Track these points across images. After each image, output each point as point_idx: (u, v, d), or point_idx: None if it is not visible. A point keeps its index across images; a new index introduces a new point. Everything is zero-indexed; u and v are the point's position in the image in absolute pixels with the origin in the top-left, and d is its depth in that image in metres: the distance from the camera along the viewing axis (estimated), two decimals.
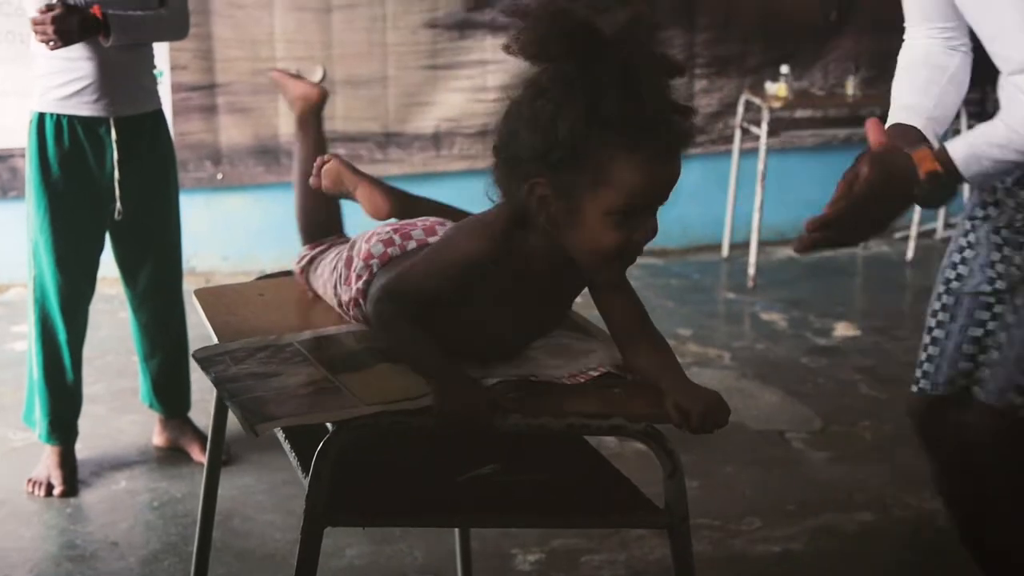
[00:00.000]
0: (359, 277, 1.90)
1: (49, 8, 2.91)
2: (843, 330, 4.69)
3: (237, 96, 5.04)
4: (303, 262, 2.16)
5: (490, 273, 1.70)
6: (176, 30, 3.25)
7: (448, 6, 5.29)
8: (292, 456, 1.76)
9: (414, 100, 5.28)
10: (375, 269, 1.88)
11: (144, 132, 3.16)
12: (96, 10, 2.95)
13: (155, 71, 3.24)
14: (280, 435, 1.82)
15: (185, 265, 5.02)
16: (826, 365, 4.25)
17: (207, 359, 1.86)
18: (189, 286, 4.91)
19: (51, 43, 2.92)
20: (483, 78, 5.39)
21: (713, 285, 5.37)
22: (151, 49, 3.21)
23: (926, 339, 2.11)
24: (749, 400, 3.90)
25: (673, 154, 1.63)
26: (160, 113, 3.24)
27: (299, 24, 5.07)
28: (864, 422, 3.72)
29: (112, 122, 3.07)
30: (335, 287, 1.98)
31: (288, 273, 2.30)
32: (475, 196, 5.37)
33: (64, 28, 2.91)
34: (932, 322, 2.11)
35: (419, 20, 5.24)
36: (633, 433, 1.65)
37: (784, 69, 5.41)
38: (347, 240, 2.11)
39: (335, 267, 1.99)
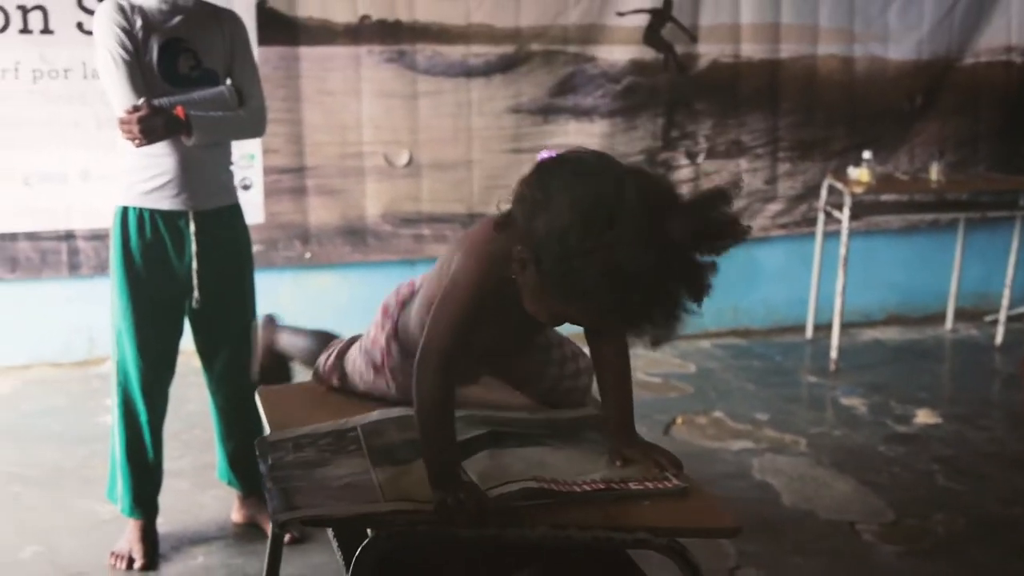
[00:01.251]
0: (383, 328, 2.14)
1: (136, 109, 3.01)
2: (924, 417, 4.65)
3: (326, 178, 5.19)
4: (328, 365, 2.32)
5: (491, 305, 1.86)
6: (254, 129, 3.35)
7: (532, 92, 5.40)
8: (338, 554, 1.83)
9: (498, 182, 5.38)
10: (395, 314, 2.12)
11: (221, 225, 3.27)
12: (180, 111, 3.05)
13: (231, 165, 3.34)
14: (329, 531, 1.89)
15: None
16: (903, 454, 4.21)
17: (269, 445, 1.96)
18: None
19: (136, 141, 3.02)
20: None
21: (795, 368, 5.34)
22: (229, 146, 3.31)
23: None
24: (822, 489, 3.88)
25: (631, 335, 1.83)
26: (236, 206, 3.36)
27: (386, 110, 5.21)
28: (938, 515, 3.67)
29: (191, 215, 3.19)
30: (368, 359, 2.16)
31: None
32: None
33: (149, 128, 3.00)
34: None
35: (503, 106, 5.36)
36: (656, 547, 1.69)
37: (867, 154, 5.42)
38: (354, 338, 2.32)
39: (362, 348, 2.14)
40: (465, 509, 1.67)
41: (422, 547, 1.84)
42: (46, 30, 4.75)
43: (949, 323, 6.01)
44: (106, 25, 3.07)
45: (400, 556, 1.75)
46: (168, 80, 3.12)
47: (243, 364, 3.38)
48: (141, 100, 3.02)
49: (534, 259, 1.68)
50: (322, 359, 2.36)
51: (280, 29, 5.07)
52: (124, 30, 3.06)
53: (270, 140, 5.07)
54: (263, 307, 5.18)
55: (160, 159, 3.12)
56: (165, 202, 3.16)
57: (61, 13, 4.75)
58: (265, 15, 5.03)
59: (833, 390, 5.01)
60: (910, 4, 5.89)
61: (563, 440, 2.01)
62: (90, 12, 4.75)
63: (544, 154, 1.81)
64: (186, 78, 3.15)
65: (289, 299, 5.26)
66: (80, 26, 4.76)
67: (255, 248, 5.05)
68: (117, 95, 3.07)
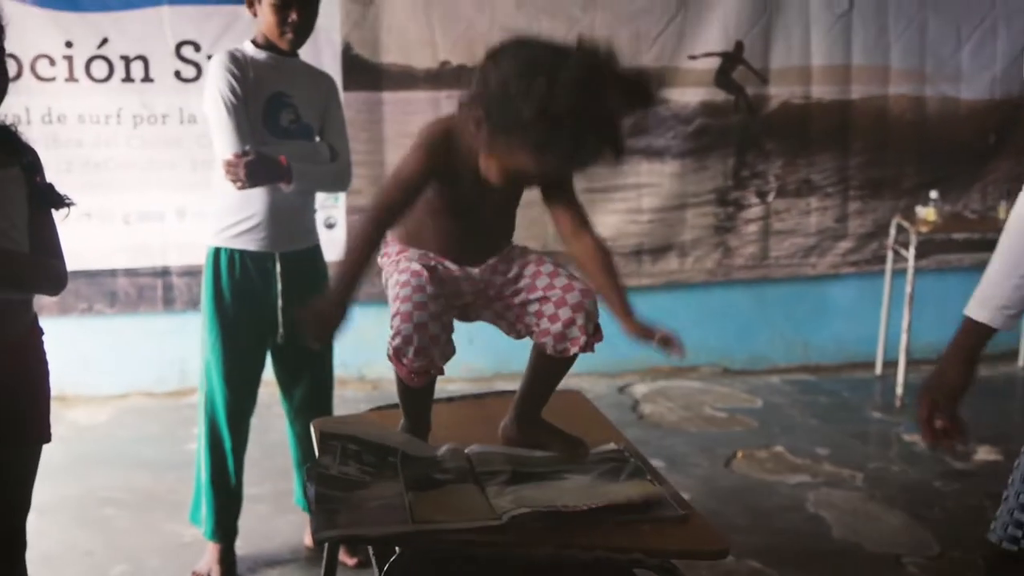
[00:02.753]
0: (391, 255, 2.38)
1: (244, 154, 3.24)
2: (984, 454, 4.73)
3: None
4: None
5: (445, 179, 2.16)
6: (342, 183, 3.61)
7: None
8: (375, 571, 2.04)
9: None
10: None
11: (304, 265, 3.51)
12: (283, 159, 3.29)
13: (315, 212, 3.59)
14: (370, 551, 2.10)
15: (356, 373, 5.49)
16: (958, 490, 4.32)
17: (327, 436, 2.19)
18: (359, 393, 5.36)
19: (239, 184, 3.25)
20: (638, 201, 5.68)
21: (861, 404, 5.45)
22: (314, 193, 3.57)
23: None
24: (872, 523, 4.00)
25: (571, 166, 2.09)
26: (318, 247, 3.60)
27: None
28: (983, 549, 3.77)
29: (278, 257, 3.43)
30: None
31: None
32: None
33: (254, 173, 3.23)
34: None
35: None
36: (651, 566, 1.87)
37: (933, 194, 5.52)
38: None
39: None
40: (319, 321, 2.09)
41: (444, 564, 2.04)
42: (147, 78, 5.07)
43: (1022, 360, 6.06)
44: (221, 72, 3.31)
45: (424, 572, 1.95)
46: (270, 131, 3.36)
47: (319, 396, 3.61)
48: (248, 147, 3.25)
49: (485, 113, 1.99)
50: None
51: (364, 75, 5.33)
52: (237, 79, 3.30)
53: (354, 181, 5.29)
54: (348, 340, 5.47)
55: (252, 203, 3.36)
56: (254, 244, 3.40)
57: (160, 62, 5.07)
58: (350, 61, 5.30)
59: (897, 426, 5.11)
60: (983, 45, 5.98)
61: (578, 473, 2.21)
62: (187, 61, 5.08)
63: None
64: (286, 130, 3.40)
65: (370, 334, 5.50)
66: (178, 74, 5.08)
67: None
68: (225, 139, 3.28)
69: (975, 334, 2.18)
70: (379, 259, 2.42)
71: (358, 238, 2.19)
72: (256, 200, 3.35)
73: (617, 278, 2.29)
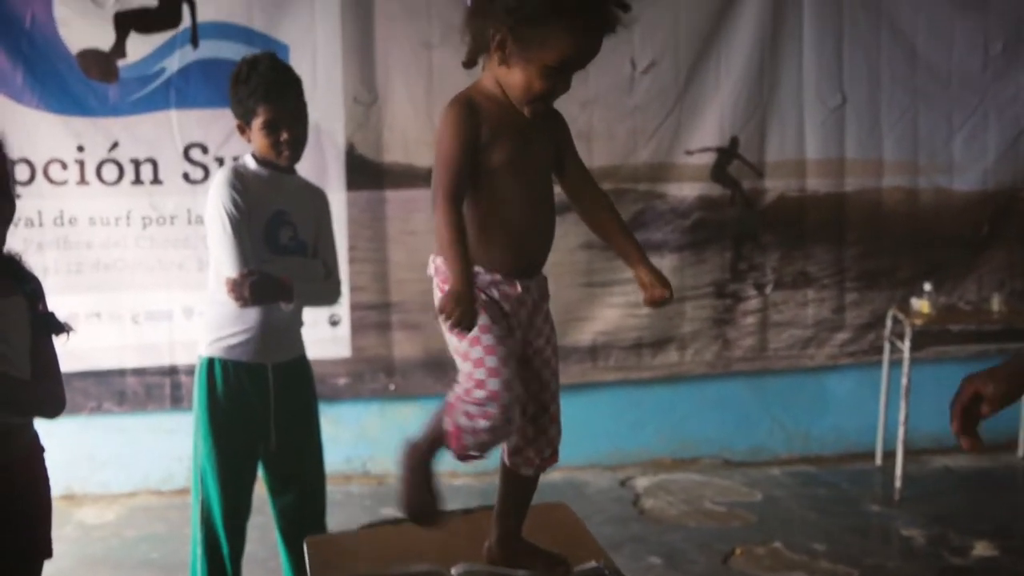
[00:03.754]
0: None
1: (250, 273, 3.32)
2: (982, 549, 4.78)
3: (409, 314, 5.52)
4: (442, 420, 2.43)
5: (484, 150, 2.23)
6: (334, 299, 3.71)
7: None
8: None
9: (572, 315, 5.67)
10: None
11: (294, 374, 3.59)
12: (285, 279, 3.39)
13: (302, 325, 3.66)
14: None
15: (360, 468, 5.57)
16: None
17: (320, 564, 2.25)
18: (364, 488, 5.42)
19: (241, 302, 3.33)
20: (637, 294, 5.72)
21: (860, 496, 5.49)
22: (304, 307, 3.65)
23: None
24: None
25: (601, 34, 2.20)
26: (305, 357, 3.67)
27: None
28: None
29: (270, 367, 3.51)
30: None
31: (392, 522, 2.66)
32: (631, 404, 5.80)
33: (259, 292, 3.32)
34: None
35: (576, 242, 5.65)
36: None
37: (927, 286, 5.61)
38: None
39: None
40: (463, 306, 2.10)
41: None
42: (156, 180, 5.20)
43: (1022, 451, 6.11)
44: (225, 190, 3.40)
45: None
46: (270, 248, 3.46)
47: (311, 504, 3.66)
48: (252, 267, 3.34)
49: (507, 22, 2.16)
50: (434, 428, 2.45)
51: (367, 174, 5.45)
52: (241, 196, 3.40)
53: (357, 278, 5.44)
54: (351, 436, 5.56)
55: (247, 316, 3.44)
56: (248, 355, 3.48)
57: (169, 164, 5.20)
58: (353, 161, 5.43)
59: (895, 520, 5.16)
60: (975, 136, 6.09)
61: None
62: (195, 163, 5.21)
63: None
64: (284, 247, 3.50)
65: (374, 429, 5.61)
66: (186, 176, 5.21)
67: (343, 380, 5.45)
68: (230, 258, 3.37)
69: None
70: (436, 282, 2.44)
71: (451, 227, 2.24)
72: (251, 313, 3.43)
73: (628, 229, 2.50)
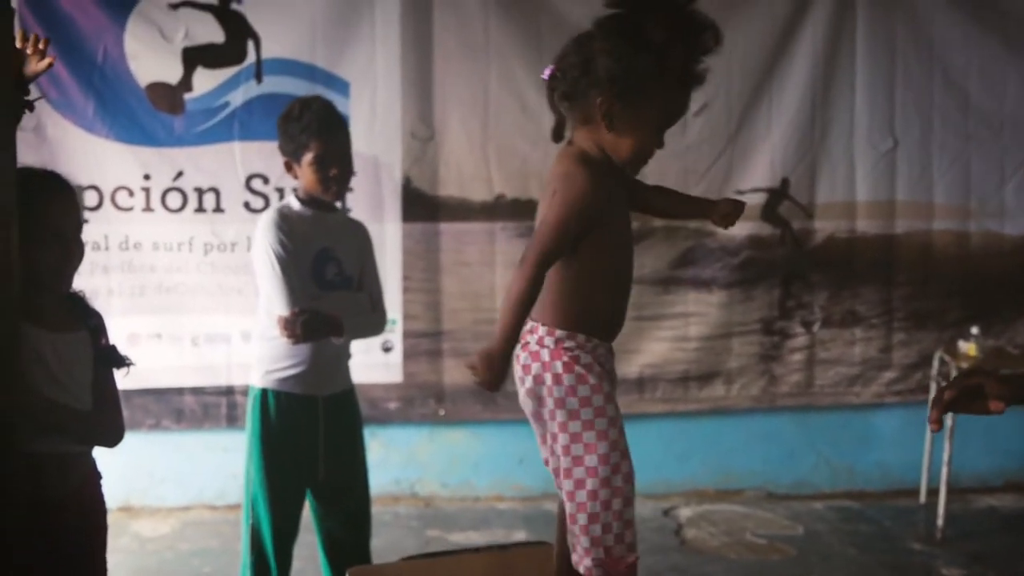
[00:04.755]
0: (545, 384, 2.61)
1: (301, 312, 3.46)
2: None
3: (460, 342, 5.66)
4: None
5: (608, 209, 2.51)
6: (380, 329, 3.88)
7: (653, 264, 5.81)
8: None
9: (621, 348, 5.61)
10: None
11: (343, 406, 3.74)
12: (334, 315, 3.53)
13: (350, 358, 3.80)
14: None
15: (408, 490, 5.70)
16: None
17: None
18: (411, 509, 5.55)
19: (294, 340, 3.46)
20: (685, 329, 5.87)
21: (902, 534, 5.51)
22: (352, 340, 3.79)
23: None
24: None
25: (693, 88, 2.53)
26: (353, 389, 3.82)
27: None
28: None
29: (321, 400, 3.67)
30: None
31: (435, 554, 2.78)
32: (676, 436, 5.89)
33: (311, 330, 3.46)
34: None
35: None
36: None
37: (975, 330, 5.65)
38: None
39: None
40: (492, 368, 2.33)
41: None
42: (218, 208, 5.40)
43: None
44: (272, 231, 3.58)
45: None
46: (317, 284, 3.63)
47: (358, 533, 3.79)
48: (304, 305, 3.49)
49: (611, 90, 2.42)
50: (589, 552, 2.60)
51: (423, 206, 5.62)
52: (288, 236, 3.58)
53: (410, 306, 5.60)
54: (400, 458, 5.70)
55: (299, 351, 3.58)
56: (299, 387, 3.63)
57: (231, 193, 5.40)
58: (410, 194, 5.59)
59: (936, 559, 5.18)
60: None
61: None
62: (256, 193, 5.40)
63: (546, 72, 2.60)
64: (330, 283, 3.67)
65: (423, 453, 5.75)
66: (247, 205, 5.40)
67: (394, 405, 5.60)
68: (280, 297, 3.53)
69: None
70: (531, 348, 2.60)
71: (529, 288, 2.42)
72: (302, 347, 3.56)
73: (680, 194, 2.94)
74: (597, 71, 2.43)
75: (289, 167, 3.71)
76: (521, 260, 2.44)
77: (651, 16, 2.41)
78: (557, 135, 2.61)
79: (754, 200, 5.87)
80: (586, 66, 2.46)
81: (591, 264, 2.50)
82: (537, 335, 2.58)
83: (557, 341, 2.53)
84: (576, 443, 2.52)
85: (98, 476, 2.79)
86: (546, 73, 2.58)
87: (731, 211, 2.75)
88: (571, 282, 2.55)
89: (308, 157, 3.63)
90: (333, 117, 3.72)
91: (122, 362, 2.79)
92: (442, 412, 5.71)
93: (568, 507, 2.53)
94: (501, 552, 3.02)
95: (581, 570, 2.53)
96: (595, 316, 2.57)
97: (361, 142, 5.46)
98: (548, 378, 2.54)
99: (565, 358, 2.52)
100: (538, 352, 2.57)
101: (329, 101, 3.82)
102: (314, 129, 3.62)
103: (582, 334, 2.55)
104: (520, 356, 2.62)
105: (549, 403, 2.54)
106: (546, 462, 2.65)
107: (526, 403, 2.64)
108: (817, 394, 6.06)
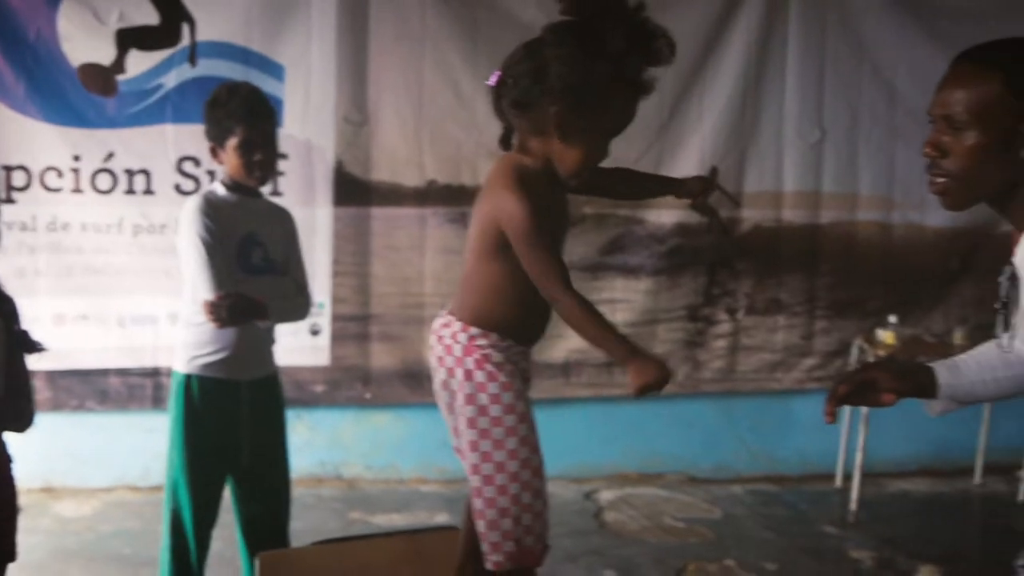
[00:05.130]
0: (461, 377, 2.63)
1: (227, 295, 3.47)
2: (927, 573, 4.95)
3: (388, 325, 5.73)
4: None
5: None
6: (305, 313, 3.91)
7: (583, 251, 5.89)
8: None
9: (548, 333, 5.76)
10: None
11: (266, 391, 3.80)
12: (259, 299, 3.55)
13: (274, 343, 3.86)
14: None
15: (333, 472, 5.77)
16: None
17: None
18: (336, 491, 5.62)
19: (219, 324, 3.47)
20: (612, 315, 5.94)
21: (817, 517, 5.66)
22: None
23: None
24: None
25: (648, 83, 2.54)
26: (277, 374, 3.88)
27: (446, 265, 5.73)
28: None
29: (244, 384, 3.71)
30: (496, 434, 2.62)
31: (346, 539, 2.85)
32: (600, 420, 5.96)
33: (236, 313, 3.47)
34: None
35: None
36: None
37: (892, 318, 5.79)
38: None
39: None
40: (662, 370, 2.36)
41: None
42: (148, 191, 5.41)
43: (977, 477, 6.27)
44: (198, 216, 3.60)
45: None
46: (243, 269, 3.67)
47: (277, 516, 3.85)
48: (230, 289, 3.52)
49: (565, 98, 2.41)
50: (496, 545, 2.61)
51: (354, 191, 5.66)
52: (213, 222, 3.61)
53: (339, 290, 5.65)
54: (325, 441, 5.77)
55: (224, 335, 3.62)
56: (224, 372, 3.68)
57: (162, 176, 5.41)
58: (342, 178, 5.63)
59: (847, 542, 5.33)
60: None
61: None
62: (187, 175, 5.42)
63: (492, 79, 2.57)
64: (256, 267, 3.71)
65: (349, 436, 5.82)
66: (178, 187, 5.41)
67: (320, 387, 5.66)
68: (205, 281, 3.55)
69: (924, 373, 2.40)
70: (445, 342, 2.65)
71: (583, 311, 2.48)
72: (226, 332, 3.61)
73: (645, 174, 3.03)
74: (551, 79, 2.41)
75: (214, 152, 3.73)
76: (550, 299, 2.49)
77: (608, 24, 2.40)
78: (505, 143, 2.60)
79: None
80: (539, 74, 2.44)
81: (515, 270, 2.53)
82: (452, 330, 2.64)
83: (470, 338, 2.59)
84: (485, 439, 2.58)
85: (8, 459, 2.82)
86: (492, 80, 2.55)
87: (701, 189, 2.82)
88: (493, 284, 2.60)
89: (233, 142, 3.64)
90: (259, 103, 3.73)
91: (35, 347, 2.81)
92: (368, 395, 5.78)
93: (476, 502, 2.59)
94: (411, 536, 3.11)
95: (490, 564, 2.60)
96: (512, 320, 2.62)
97: (295, 126, 5.53)
98: (459, 373, 2.60)
99: (477, 355, 2.58)
100: (451, 347, 2.62)
101: (256, 87, 3.85)
102: (239, 115, 3.64)
103: (496, 334, 2.60)
104: (435, 348, 2.68)
105: (460, 398, 2.60)
106: (458, 451, 2.72)
107: (440, 394, 2.71)
108: (739, 380, 6.19)
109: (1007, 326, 2.23)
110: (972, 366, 2.41)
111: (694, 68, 5.94)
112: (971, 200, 2.22)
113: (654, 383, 2.35)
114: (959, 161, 2.18)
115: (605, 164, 2.71)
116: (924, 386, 2.38)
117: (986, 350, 2.41)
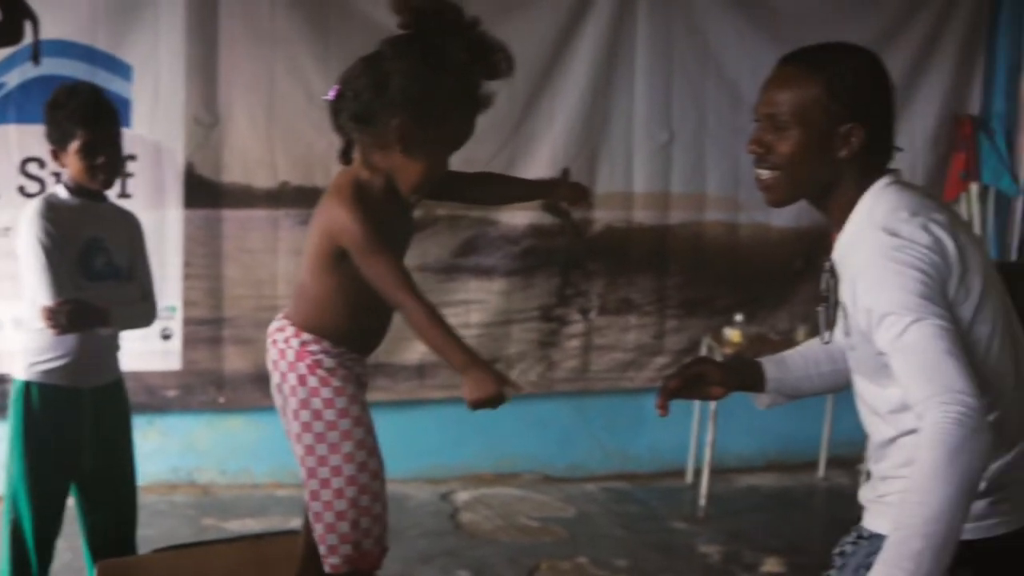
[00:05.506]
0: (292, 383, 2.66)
1: (65, 302, 3.40)
2: (771, 566, 5.11)
3: (241, 329, 5.67)
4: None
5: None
6: (150, 320, 3.86)
7: (437, 252, 5.92)
8: None
9: (401, 334, 5.73)
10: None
11: (110, 397, 3.74)
12: (101, 305, 3.50)
13: (118, 349, 3.81)
14: None
15: (187, 478, 5.70)
16: None
17: None
18: (189, 498, 5.56)
19: (58, 330, 3.41)
20: (466, 316, 6.00)
21: (668, 513, 5.79)
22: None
23: None
24: None
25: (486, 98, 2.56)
26: (121, 380, 3.82)
27: (299, 266, 5.70)
28: None
29: (87, 391, 3.65)
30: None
31: (187, 545, 2.84)
32: (455, 421, 5.99)
33: (75, 320, 3.41)
34: None
35: (409, 265, 5.80)
36: None
37: (738, 317, 5.95)
38: None
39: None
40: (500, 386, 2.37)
41: None
42: None
43: (821, 471, 6.48)
44: (38, 221, 3.53)
45: None
46: (85, 275, 3.60)
47: (124, 525, 3.79)
48: (70, 295, 3.45)
49: (407, 112, 2.41)
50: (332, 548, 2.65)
51: (206, 192, 5.59)
52: (53, 226, 3.53)
53: (190, 292, 5.58)
54: (178, 446, 5.70)
55: (65, 342, 3.55)
56: (66, 379, 3.61)
57: (5, 177, 5.27)
58: (192, 180, 5.56)
59: (696, 537, 5.47)
60: None
61: None
62: (31, 177, 5.30)
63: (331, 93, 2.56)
64: (99, 273, 3.65)
65: (203, 441, 5.76)
66: (22, 189, 5.29)
67: (172, 393, 5.59)
68: (44, 287, 3.48)
69: (752, 368, 2.58)
70: (279, 346, 2.67)
71: (425, 314, 2.47)
72: (68, 339, 3.54)
73: (512, 179, 3.09)
74: (392, 93, 2.42)
75: (56, 155, 3.66)
76: (396, 305, 2.50)
77: (447, 38, 2.42)
78: (345, 157, 2.59)
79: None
80: (379, 87, 2.44)
81: (349, 283, 2.55)
82: (285, 334, 2.66)
83: (302, 343, 2.61)
84: (320, 443, 2.59)
85: None
86: (331, 94, 2.55)
87: (579, 197, 2.87)
88: (327, 295, 2.61)
89: (74, 146, 3.57)
90: (100, 104, 3.66)
91: None
92: (222, 399, 5.72)
93: (314, 505, 2.61)
94: (252, 541, 3.13)
95: (328, 567, 2.62)
96: (346, 329, 2.64)
97: (144, 127, 5.45)
98: (292, 378, 2.62)
99: (308, 360, 2.60)
100: (284, 351, 2.65)
101: (97, 87, 3.79)
102: (79, 117, 3.57)
103: (328, 341, 2.62)
104: (270, 352, 2.70)
105: (292, 402, 2.62)
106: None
107: (276, 397, 2.73)
108: (593, 379, 6.30)
109: (828, 320, 2.33)
110: (798, 361, 2.54)
111: (545, 70, 6.02)
112: (792, 197, 2.33)
113: (487, 399, 2.36)
114: (780, 159, 2.27)
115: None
116: (752, 380, 2.51)
117: (812, 345, 2.54)
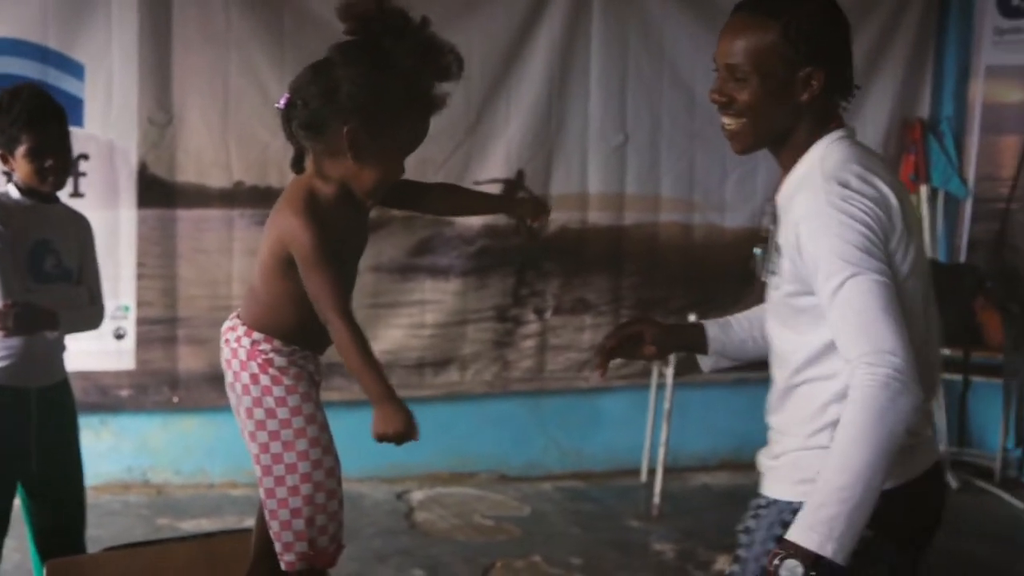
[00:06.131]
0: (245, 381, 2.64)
1: (13, 305, 3.37)
2: (724, 564, 5.13)
3: (196, 328, 5.65)
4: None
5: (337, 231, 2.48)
6: (98, 323, 3.82)
7: (391, 253, 5.93)
8: None
9: None
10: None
11: (56, 398, 3.70)
12: (48, 308, 3.45)
13: (64, 350, 3.76)
14: None
15: (141, 478, 5.68)
16: None
17: None
18: (143, 498, 5.53)
19: (5, 333, 3.38)
20: (421, 316, 6.02)
21: (623, 512, 5.82)
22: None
23: None
24: None
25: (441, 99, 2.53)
26: (67, 381, 3.78)
27: (253, 267, 5.69)
28: None
29: (33, 391, 3.60)
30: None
31: (139, 544, 2.84)
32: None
33: (23, 322, 3.37)
34: None
35: (364, 265, 5.70)
36: None
37: (692, 317, 5.98)
38: None
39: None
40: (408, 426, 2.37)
41: None
42: None
43: None
44: None
45: None
46: (33, 277, 3.56)
47: (73, 527, 3.76)
48: (18, 297, 3.42)
49: (358, 118, 2.40)
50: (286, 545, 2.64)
51: (159, 192, 5.57)
52: (3, 227, 3.49)
53: (144, 292, 5.56)
54: (132, 446, 5.68)
55: (10, 342, 3.50)
56: (12, 380, 3.56)
57: None
58: (146, 180, 5.54)
59: (650, 535, 5.51)
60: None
61: None
62: None
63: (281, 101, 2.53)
64: (48, 275, 3.60)
65: (157, 440, 5.73)
66: None
67: (126, 392, 5.56)
68: None
69: (694, 329, 2.66)
70: (231, 345, 2.66)
71: (351, 337, 2.43)
72: (15, 339, 3.50)
73: (472, 192, 3.06)
74: (342, 99, 2.41)
75: (5, 159, 3.63)
76: (325, 321, 2.45)
77: (396, 42, 2.42)
78: (297, 166, 2.57)
79: (491, 190, 6.05)
80: (329, 94, 2.43)
81: (301, 287, 2.55)
82: (236, 333, 2.66)
83: (253, 343, 2.61)
84: (275, 441, 2.60)
85: None
86: (281, 102, 2.53)
87: (539, 212, 2.82)
88: (278, 300, 2.61)
89: (21, 150, 3.52)
90: (45, 106, 3.62)
91: None
92: (176, 399, 5.70)
93: (269, 503, 2.61)
94: (203, 540, 3.12)
95: (283, 564, 2.62)
96: (296, 330, 2.64)
97: (96, 126, 5.43)
98: (245, 377, 2.62)
99: (260, 360, 2.60)
100: (236, 350, 2.65)
101: (40, 88, 3.75)
102: (24, 120, 3.53)
103: (278, 340, 2.63)
104: (223, 350, 2.70)
105: (245, 401, 2.62)
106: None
107: (230, 396, 2.73)
108: (548, 379, 6.32)
109: (768, 261, 2.37)
110: (743, 323, 2.60)
111: (500, 71, 6.05)
112: (758, 144, 2.35)
113: (394, 436, 2.38)
114: (743, 108, 2.28)
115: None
116: (694, 341, 2.55)
117: (758, 310, 2.58)
